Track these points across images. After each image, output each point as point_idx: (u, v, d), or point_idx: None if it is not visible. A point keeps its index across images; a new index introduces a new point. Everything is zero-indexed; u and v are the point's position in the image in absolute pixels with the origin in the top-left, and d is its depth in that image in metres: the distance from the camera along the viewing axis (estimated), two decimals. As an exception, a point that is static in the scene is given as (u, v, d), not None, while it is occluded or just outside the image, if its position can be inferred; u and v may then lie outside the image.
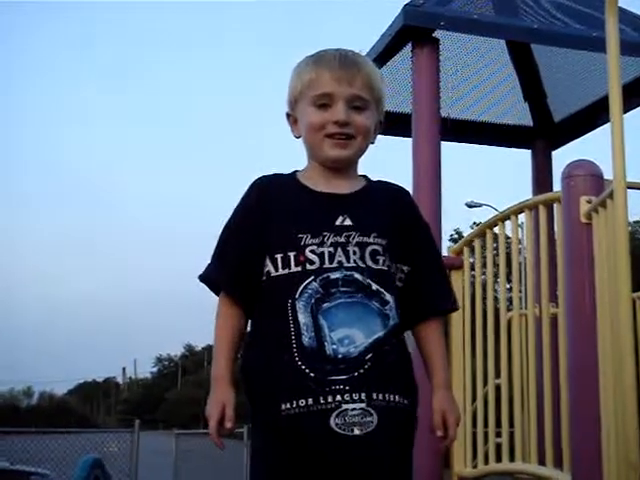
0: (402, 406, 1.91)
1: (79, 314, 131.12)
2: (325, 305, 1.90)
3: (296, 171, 2.13)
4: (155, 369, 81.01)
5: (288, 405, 1.87)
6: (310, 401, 1.85)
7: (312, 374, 1.87)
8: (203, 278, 2.05)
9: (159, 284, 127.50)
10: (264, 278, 1.97)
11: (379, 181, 2.15)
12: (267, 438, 1.91)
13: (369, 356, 1.88)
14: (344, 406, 1.84)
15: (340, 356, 1.87)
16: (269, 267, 1.97)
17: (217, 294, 2.05)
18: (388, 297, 1.94)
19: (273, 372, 1.91)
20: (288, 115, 2.15)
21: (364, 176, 2.14)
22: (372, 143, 2.12)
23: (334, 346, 1.87)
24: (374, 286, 1.93)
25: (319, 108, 2.03)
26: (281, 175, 2.13)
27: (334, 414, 1.84)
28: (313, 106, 2.04)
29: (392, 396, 1.89)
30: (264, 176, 2.12)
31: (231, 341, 1.99)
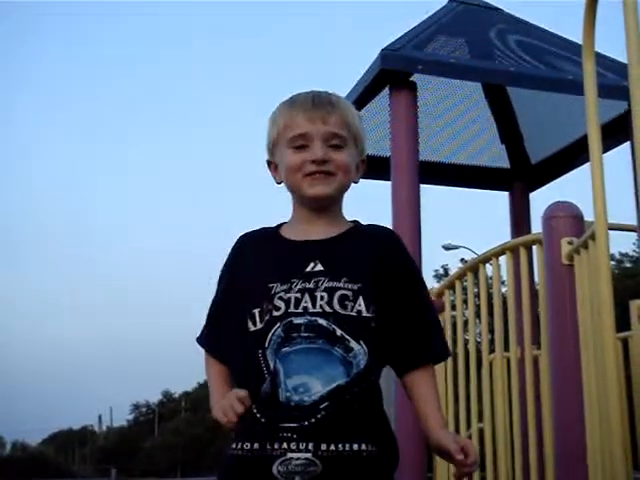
0: (364, 453, 1.86)
1: (54, 361, 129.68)
2: (284, 350, 1.87)
3: (283, 223, 2.12)
4: (131, 416, 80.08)
5: (234, 445, 1.90)
6: (256, 446, 1.85)
7: (263, 419, 1.86)
8: (197, 341, 2.16)
9: (136, 331, 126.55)
10: (246, 335, 1.96)
11: (369, 225, 2.11)
12: (219, 474, 1.97)
13: (324, 405, 1.84)
14: (289, 455, 1.82)
15: (293, 404, 1.84)
16: (249, 323, 1.95)
17: None
18: (353, 344, 1.89)
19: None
20: (269, 163, 2.14)
21: (354, 221, 2.11)
22: (355, 182, 2.09)
23: (287, 394, 1.84)
24: (338, 332, 1.88)
25: (296, 149, 2.01)
26: (264, 230, 2.13)
27: (278, 461, 1.82)
28: (290, 148, 2.02)
29: (348, 445, 1.84)
30: (246, 232, 2.14)
31: (223, 378, 2.07)
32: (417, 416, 1.98)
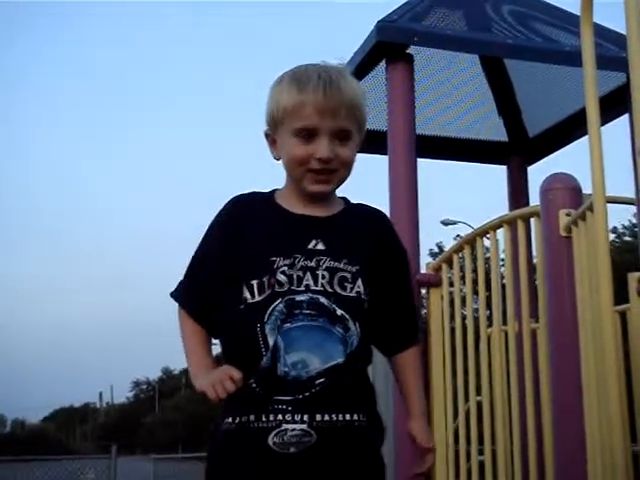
0: (356, 423, 1.90)
1: (54, 339, 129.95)
2: (286, 325, 1.89)
3: (275, 190, 2.09)
4: (132, 393, 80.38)
5: (230, 420, 1.92)
6: (252, 417, 1.88)
7: (260, 392, 1.88)
8: (172, 296, 2.11)
9: (135, 308, 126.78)
10: (241, 305, 1.94)
11: (358, 204, 2.11)
12: (212, 448, 1.99)
13: (320, 381, 1.87)
14: (284, 426, 1.85)
15: (290, 378, 1.86)
16: (246, 294, 1.94)
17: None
18: (351, 324, 1.92)
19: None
20: (267, 135, 2.08)
21: (343, 198, 2.10)
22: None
23: (286, 369, 1.87)
24: (339, 311, 1.91)
25: (301, 140, 1.96)
26: (258, 194, 2.09)
27: (273, 433, 1.85)
28: (295, 137, 1.97)
29: (340, 415, 1.88)
30: (240, 195, 2.09)
31: (199, 339, 2.06)
32: (400, 395, 2.11)
